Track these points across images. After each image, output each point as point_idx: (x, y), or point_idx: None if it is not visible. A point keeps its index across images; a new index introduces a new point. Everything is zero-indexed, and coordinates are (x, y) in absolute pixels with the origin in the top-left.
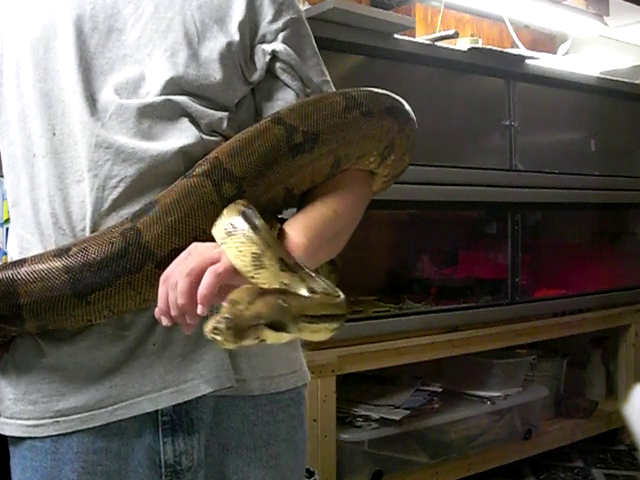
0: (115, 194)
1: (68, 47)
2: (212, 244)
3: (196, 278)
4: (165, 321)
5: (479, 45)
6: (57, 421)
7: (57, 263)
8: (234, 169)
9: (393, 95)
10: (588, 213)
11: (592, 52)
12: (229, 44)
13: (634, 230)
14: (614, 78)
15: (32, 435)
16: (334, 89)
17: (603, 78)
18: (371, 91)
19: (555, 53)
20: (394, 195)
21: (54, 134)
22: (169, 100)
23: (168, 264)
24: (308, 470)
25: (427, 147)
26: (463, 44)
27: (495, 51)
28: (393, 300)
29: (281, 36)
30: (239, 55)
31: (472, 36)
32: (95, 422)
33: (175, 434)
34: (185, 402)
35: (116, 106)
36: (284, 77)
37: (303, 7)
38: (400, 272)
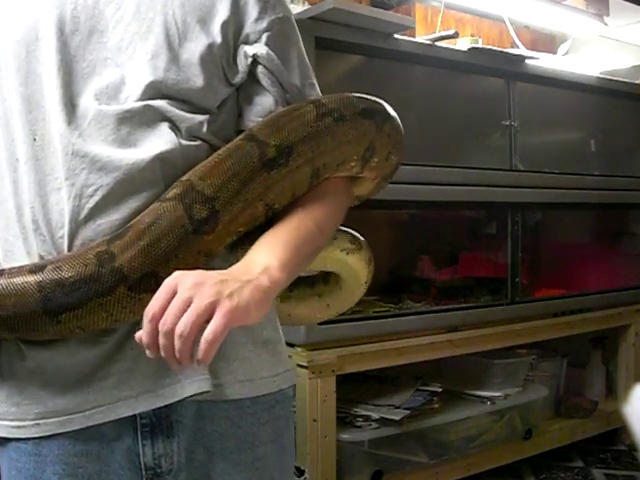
0: (92, 203)
1: (49, 50)
2: (200, 275)
3: (199, 324)
4: (151, 354)
5: (479, 45)
6: (38, 423)
7: (31, 279)
8: (205, 190)
9: (367, 96)
10: (588, 213)
11: (592, 52)
12: (210, 45)
13: (634, 230)
14: (614, 78)
15: (15, 436)
16: (319, 92)
17: (603, 78)
18: (343, 95)
19: (555, 53)
20: (394, 195)
21: (34, 140)
22: (148, 105)
23: (140, 287)
24: (298, 469)
25: (427, 147)
26: (463, 44)
27: (495, 51)
28: (393, 300)
29: (265, 37)
30: (221, 56)
31: (472, 36)
32: (73, 426)
33: (154, 437)
34: (164, 406)
35: (95, 112)
36: (264, 82)
37: (303, 7)
38: (400, 272)
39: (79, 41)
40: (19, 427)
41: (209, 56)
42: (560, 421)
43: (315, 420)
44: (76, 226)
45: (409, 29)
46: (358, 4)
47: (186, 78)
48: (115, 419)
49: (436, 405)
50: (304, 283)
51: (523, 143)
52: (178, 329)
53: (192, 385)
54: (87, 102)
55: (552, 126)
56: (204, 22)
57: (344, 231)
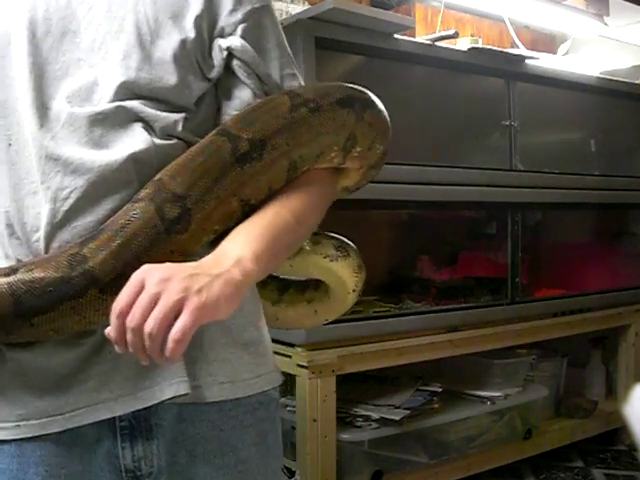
0: (66, 206)
1: (21, 54)
2: (168, 270)
3: (167, 322)
4: (119, 349)
5: (479, 45)
6: (19, 425)
7: (3, 282)
8: (176, 188)
9: (346, 85)
10: (588, 213)
11: (592, 52)
12: (183, 42)
13: (634, 230)
14: (614, 78)
15: None
16: (302, 82)
17: (603, 78)
18: (320, 85)
19: (555, 53)
20: (394, 195)
21: (10, 145)
22: (121, 106)
23: (112, 289)
24: (289, 470)
25: (427, 147)
26: (463, 44)
27: (495, 51)
28: (393, 300)
29: (240, 29)
30: (195, 52)
31: (472, 36)
32: (53, 428)
33: (134, 440)
34: (144, 408)
35: (67, 115)
36: (240, 74)
37: (303, 7)
38: (400, 272)
39: (51, 43)
40: (1, 429)
41: (182, 52)
42: (560, 421)
43: (315, 420)
44: (52, 229)
45: (409, 29)
46: (358, 4)
47: (159, 77)
48: (95, 421)
49: (436, 405)
50: (295, 288)
51: (523, 143)
52: (147, 327)
53: (170, 388)
54: (60, 105)
55: (552, 126)
56: (177, 18)
57: (329, 237)
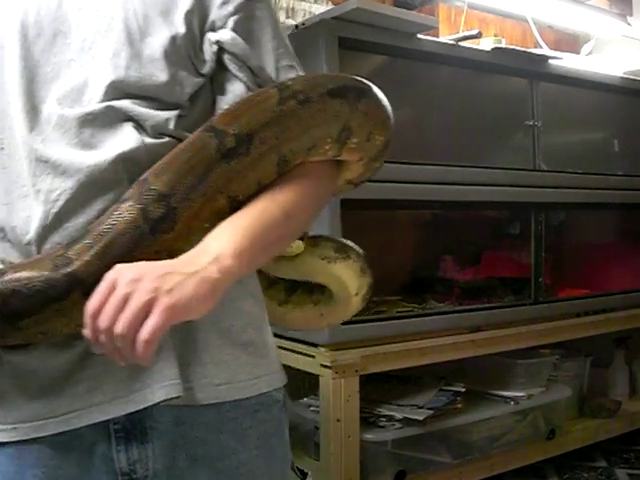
0: (56, 208)
1: (12, 58)
2: (140, 269)
3: (136, 323)
4: (96, 350)
5: (502, 45)
6: (15, 427)
7: None
8: (160, 187)
9: (340, 75)
10: (611, 213)
11: (615, 52)
12: (173, 38)
13: None
14: (637, 78)
15: None
16: (300, 74)
17: (626, 78)
18: (311, 76)
19: (578, 53)
20: (417, 195)
21: (2, 148)
22: (110, 106)
23: None
24: (302, 471)
25: (451, 147)
26: (486, 44)
27: (518, 51)
28: (416, 300)
29: (231, 21)
30: (187, 48)
31: (495, 36)
32: (48, 430)
33: (129, 443)
34: (138, 411)
35: (57, 117)
36: (232, 68)
37: (326, 7)
38: (423, 272)
39: (43, 44)
40: (0, 430)
41: (172, 48)
42: (583, 421)
43: (339, 420)
44: (43, 231)
45: (432, 29)
46: (381, 4)
47: (149, 74)
48: (90, 424)
49: (459, 405)
50: (303, 289)
51: (546, 143)
52: (117, 329)
53: (161, 390)
54: (50, 107)
55: (575, 126)
56: (167, 14)
57: (329, 239)
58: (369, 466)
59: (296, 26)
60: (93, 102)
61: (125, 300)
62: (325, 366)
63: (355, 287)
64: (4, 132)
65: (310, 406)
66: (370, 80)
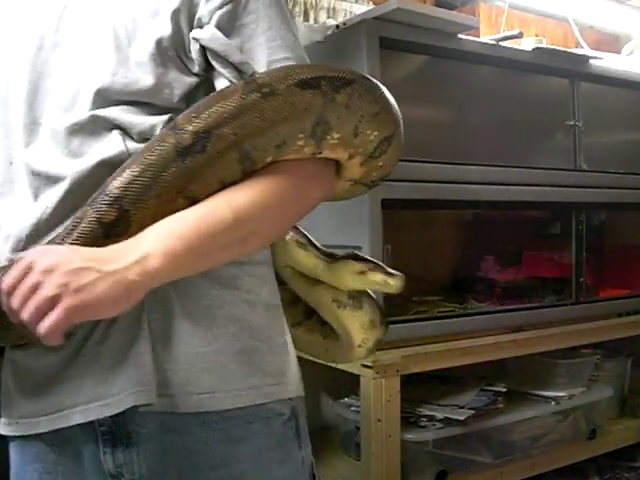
0: (46, 215)
1: (20, 73)
2: (56, 258)
3: (38, 315)
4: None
5: (543, 45)
6: (17, 423)
7: None
8: (113, 190)
9: (319, 65)
10: None
11: None
12: (159, 40)
13: None
14: None
15: (4, 433)
16: None
17: None
18: (282, 67)
19: (619, 53)
20: (458, 195)
21: (11, 164)
22: (95, 115)
23: None
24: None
25: (492, 147)
26: (527, 44)
27: (559, 51)
28: (457, 300)
29: (216, 16)
30: (176, 48)
31: (536, 36)
32: (41, 428)
33: (115, 446)
34: (119, 415)
35: (51, 130)
36: (216, 65)
37: (367, 7)
38: (464, 272)
39: (44, 57)
40: (6, 425)
41: (159, 50)
42: (624, 421)
43: (379, 420)
44: (33, 239)
45: (473, 29)
46: (422, 4)
47: (135, 79)
48: (79, 424)
49: (500, 405)
50: (318, 317)
51: (587, 143)
52: (23, 314)
53: (130, 396)
54: (47, 119)
55: (616, 126)
56: (155, 16)
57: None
58: (410, 466)
59: (337, 26)
60: (82, 111)
61: (34, 289)
62: (366, 366)
63: (359, 339)
64: (12, 147)
65: (351, 406)
66: (411, 80)
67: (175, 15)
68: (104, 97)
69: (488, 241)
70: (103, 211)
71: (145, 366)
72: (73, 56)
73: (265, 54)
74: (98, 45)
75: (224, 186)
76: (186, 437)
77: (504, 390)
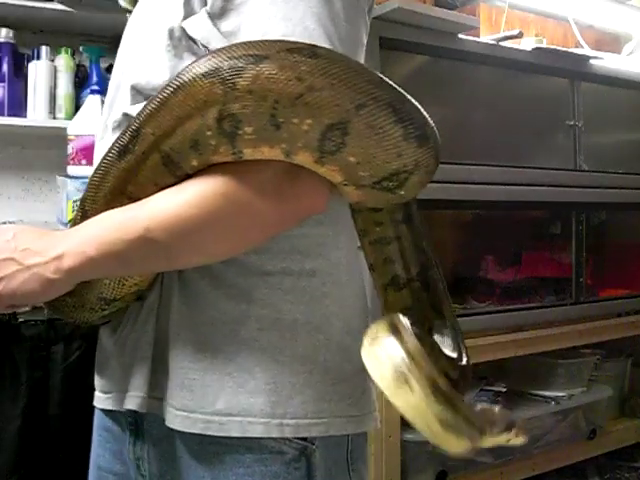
0: None
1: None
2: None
3: None
4: None
5: (543, 45)
6: (97, 394)
7: None
8: (84, 191)
9: (214, 53)
10: None
11: None
12: (171, 30)
13: None
14: None
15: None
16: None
17: None
18: (204, 56)
19: (620, 53)
20: (458, 195)
21: None
22: (125, 113)
23: None
24: None
25: (491, 147)
26: (527, 44)
27: (559, 51)
28: (457, 300)
29: (210, 1)
30: (186, 38)
31: (536, 36)
32: (97, 404)
33: (136, 439)
34: (136, 411)
35: (106, 127)
36: (201, 54)
37: None
38: (464, 272)
39: (119, 58)
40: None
41: (172, 41)
42: (624, 421)
43: (380, 420)
44: None
45: (473, 29)
46: (422, 4)
47: (155, 73)
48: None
49: (500, 405)
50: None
51: (587, 143)
52: None
53: (129, 399)
54: (105, 117)
55: (616, 126)
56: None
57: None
58: (410, 466)
59: None
60: (120, 109)
61: None
62: None
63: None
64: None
65: None
66: (411, 80)
67: (188, 3)
68: (136, 93)
69: (488, 241)
70: (78, 213)
71: (142, 371)
72: (121, 55)
73: (259, 33)
74: (134, 45)
75: (159, 188)
76: (184, 449)
77: (504, 390)
